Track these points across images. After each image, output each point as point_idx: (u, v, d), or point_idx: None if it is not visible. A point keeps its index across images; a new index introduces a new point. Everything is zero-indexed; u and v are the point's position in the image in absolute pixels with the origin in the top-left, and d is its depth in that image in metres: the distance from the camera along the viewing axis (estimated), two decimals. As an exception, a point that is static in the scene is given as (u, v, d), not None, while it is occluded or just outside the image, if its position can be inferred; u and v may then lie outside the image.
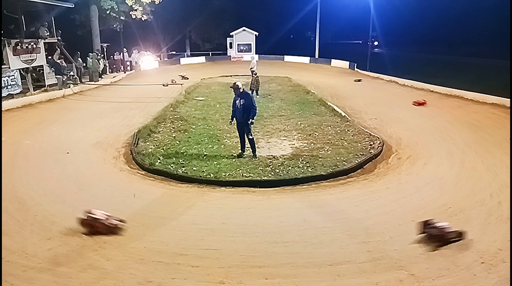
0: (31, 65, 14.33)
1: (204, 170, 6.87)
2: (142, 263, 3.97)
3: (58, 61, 15.69)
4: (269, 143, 8.61)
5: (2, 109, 11.06)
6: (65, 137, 9.22)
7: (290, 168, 6.98)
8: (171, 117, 11.01)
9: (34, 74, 14.96)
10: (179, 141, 8.70)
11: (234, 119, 7.54)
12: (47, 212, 5.18)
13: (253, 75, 14.23)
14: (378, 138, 8.83)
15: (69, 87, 15.39)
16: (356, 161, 7.35)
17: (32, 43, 14.24)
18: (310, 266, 3.91)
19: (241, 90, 7.41)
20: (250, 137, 7.51)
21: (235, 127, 7.70)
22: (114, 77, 20.03)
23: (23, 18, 15.07)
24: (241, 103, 7.30)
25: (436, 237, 4.23)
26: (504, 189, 5.82)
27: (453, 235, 4.27)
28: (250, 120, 7.33)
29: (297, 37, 57.80)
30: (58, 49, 17.18)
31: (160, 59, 28.30)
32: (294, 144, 8.55)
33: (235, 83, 7.53)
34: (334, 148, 8.17)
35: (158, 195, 5.97)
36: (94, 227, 4.45)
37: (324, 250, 4.24)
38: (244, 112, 7.30)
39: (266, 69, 22.29)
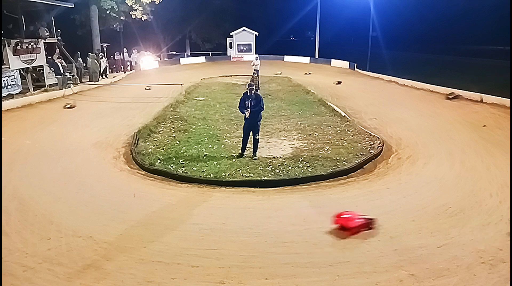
0: (31, 65, 14.34)
1: (204, 170, 6.87)
2: (142, 263, 3.97)
3: (58, 61, 15.68)
4: (269, 143, 8.60)
5: (2, 109, 11.06)
6: (65, 137, 9.22)
7: (290, 168, 6.97)
8: (171, 117, 11.01)
9: (34, 74, 14.97)
10: (179, 141, 8.69)
11: (244, 116, 7.50)
12: (47, 212, 5.18)
13: (253, 75, 14.22)
14: (378, 138, 8.83)
15: (69, 87, 15.39)
16: (356, 161, 7.35)
17: (32, 43, 14.25)
18: (310, 266, 3.92)
19: (254, 91, 7.43)
20: (257, 137, 7.54)
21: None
22: (114, 77, 20.04)
23: (23, 18, 15.10)
24: (252, 104, 7.30)
25: None
26: (504, 189, 5.83)
27: None
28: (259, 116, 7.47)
29: (297, 37, 57.82)
30: (58, 49, 17.19)
31: (160, 59, 28.29)
32: (294, 144, 8.55)
33: (249, 83, 7.69)
34: (334, 148, 8.17)
35: (158, 195, 5.96)
36: None
37: (324, 250, 4.25)
38: (254, 113, 7.32)
39: (266, 69, 22.30)
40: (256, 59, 17.74)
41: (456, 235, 4.49)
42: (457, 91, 14.17)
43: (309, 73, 22.76)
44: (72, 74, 16.74)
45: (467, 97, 13.46)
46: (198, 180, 6.51)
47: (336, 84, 18.71)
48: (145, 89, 16.32)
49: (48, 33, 15.79)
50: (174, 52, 31.77)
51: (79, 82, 16.80)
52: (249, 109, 7.29)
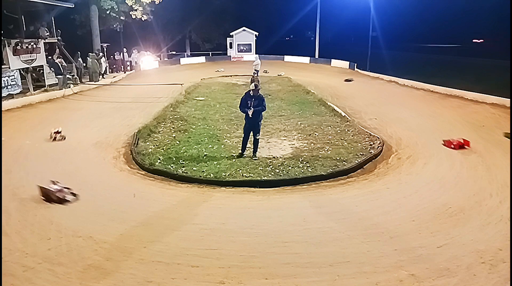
0: (31, 65, 14.33)
1: (204, 170, 6.87)
2: (142, 263, 3.97)
3: (58, 61, 15.68)
4: (269, 143, 8.60)
5: (2, 109, 11.06)
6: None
7: (290, 168, 6.97)
8: (171, 117, 11.01)
9: (34, 74, 14.96)
10: (179, 141, 8.69)
11: (245, 116, 7.50)
12: (47, 212, 5.18)
13: (253, 75, 14.22)
14: (378, 138, 8.83)
15: (69, 87, 15.39)
16: (356, 161, 7.35)
17: (32, 43, 14.24)
18: (310, 266, 3.91)
19: (258, 91, 7.42)
20: (258, 137, 7.54)
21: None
22: (114, 77, 20.03)
23: (23, 18, 15.08)
24: (255, 104, 7.30)
25: None
26: (504, 189, 5.83)
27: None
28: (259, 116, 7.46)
29: (297, 37, 57.82)
30: (58, 49, 17.18)
31: (160, 59, 28.25)
32: (294, 144, 8.55)
33: (255, 83, 7.71)
34: (334, 148, 8.17)
35: (158, 195, 5.97)
36: (48, 196, 5.47)
37: (324, 250, 4.24)
38: (256, 113, 7.32)
39: (266, 69, 22.31)
40: (257, 59, 17.81)
41: (456, 235, 4.49)
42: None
43: (266, 71, 22.71)
44: (72, 74, 16.73)
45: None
46: (198, 180, 6.51)
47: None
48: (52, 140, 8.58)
49: (48, 33, 15.77)
50: (174, 52, 31.74)
51: (79, 82, 16.80)
52: (252, 108, 7.28)
